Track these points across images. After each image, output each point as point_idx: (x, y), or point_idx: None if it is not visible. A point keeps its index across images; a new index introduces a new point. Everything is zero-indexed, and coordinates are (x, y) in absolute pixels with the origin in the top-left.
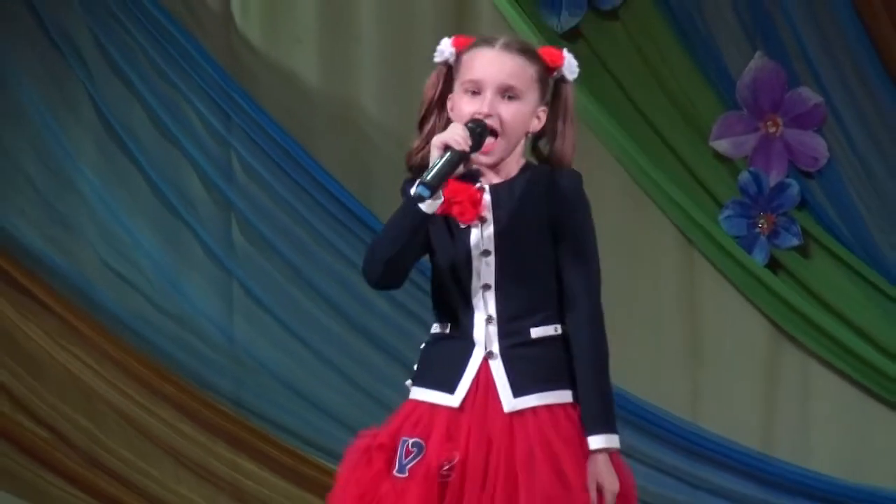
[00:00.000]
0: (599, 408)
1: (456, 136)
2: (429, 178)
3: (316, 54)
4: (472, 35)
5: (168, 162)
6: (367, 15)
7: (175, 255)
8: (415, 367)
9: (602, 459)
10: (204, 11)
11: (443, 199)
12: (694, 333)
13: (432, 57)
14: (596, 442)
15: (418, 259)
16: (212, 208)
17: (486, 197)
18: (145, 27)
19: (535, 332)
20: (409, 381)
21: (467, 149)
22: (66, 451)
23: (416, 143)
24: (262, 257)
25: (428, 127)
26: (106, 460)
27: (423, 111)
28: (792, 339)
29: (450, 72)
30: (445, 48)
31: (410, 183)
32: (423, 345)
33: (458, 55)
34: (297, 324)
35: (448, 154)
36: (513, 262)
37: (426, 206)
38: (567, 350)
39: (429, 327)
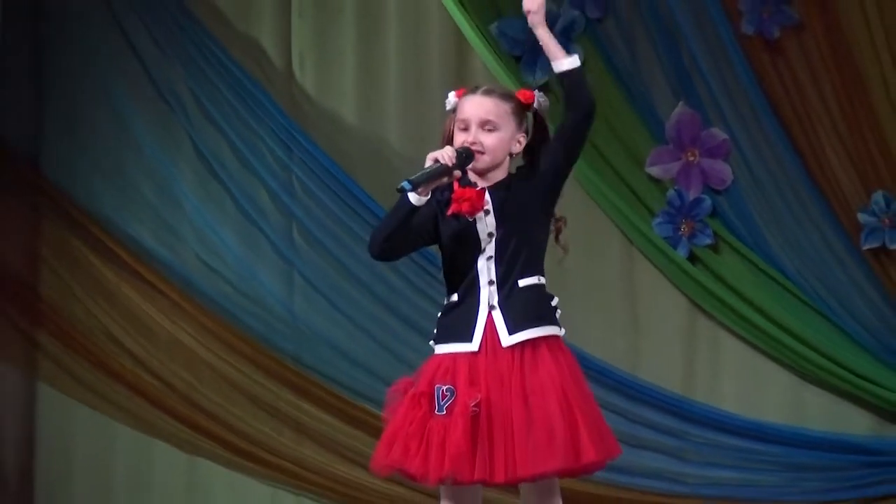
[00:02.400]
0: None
1: (444, 153)
2: (414, 177)
3: (354, 102)
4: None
5: (246, 183)
6: (393, 73)
7: (251, 252)
8: (434, 331)
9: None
10: (272, 69)
11: (429, 195)
12: (633, 308)
13: (441, 104)
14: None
15: (418, 246)
16: (278, 217)
17: (487, 196)
18: (229, 83)
19: (522, 283)
20: (431, 342)
21: (450, 164)
22: (173, 396)
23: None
24: (315, 253)
25: (430, 154)
26: (202, 402)
27: (442, 141)
28: (706, 313)
29: (454, 114)
30: (451, 99)
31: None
32: (439, 315)
33: (458, 102)
34: (341, 301)
35: (436, 165)
36: (508, 238)
37: (412, 198)
38: (548, 298)
39: (435, 301)
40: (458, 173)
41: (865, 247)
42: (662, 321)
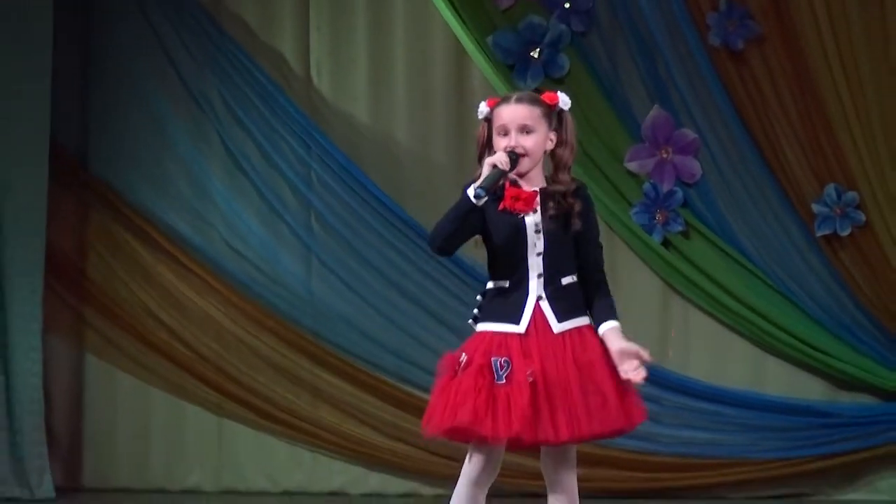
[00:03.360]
0: (613, 308)
1: (500, 159)
2: (482, 183)
3: (366, 104)
4: (496, 96)
5: (269, 177)
6: (401, 79)
7: (273, 238)
8: (475, 311)
9: (619, 330)
10: (292, 76)
11: (488, 197)
12: (613, 288)
13: (445, 105)
14: (614, 323)
15: (467, 239)
16: (297, 207)
17: (537, 197)
18: (254, 88)
19: (564, 281)
20: (471, 321)
21: (507, 168)
22: (204, 364)
23: (478, 170)
24: (331, 238)
25: (483, 159)
26: (229, 370)
27: (479, 150)
28: (677, 292)
29: (488, 122)
30: (483, 108)
31: (467, 187)
32: (479, 296)
33: (492, 111)
34: (354, 281)
35: (495, 169)
36: (553, 236)
37: (477, 201)
38: (580, 291)
39: (439, 282)
40: (512, 176)
41: (819, 234)
42: (639, 299)
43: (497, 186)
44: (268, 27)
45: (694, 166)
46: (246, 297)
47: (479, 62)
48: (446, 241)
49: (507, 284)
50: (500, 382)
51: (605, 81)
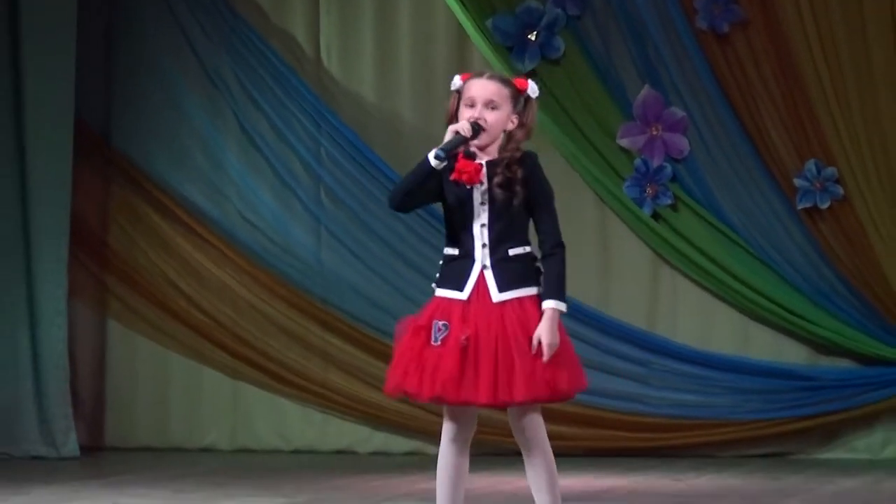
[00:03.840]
0: (552, 285)
1: (463, 127)
2: (443, 146)
3: (372, 84)
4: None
5: (281, 152)
6: (405, 60)
7: (285, 210)
8: (436, 275)
9: (546, 315)
10: (303, 57)
11: (447, 162)
12: (605, 257)
13: (445, 87)
14: (546, 304)
15: (427, 202)
16: (308, 181)
17: (484, 169)
18: (267, 68)
19: (512, 252)
20: (434, 285)
21: (468, 136)
22: (219, 329)
23: (446, 136)
24: (339, 211)
25: (450, 126)
26: (244, 335)
27: (447, 119)
28: (666, 261)
29: (459, 95)
30: (456, 81)
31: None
32: (440, 262)
33: (464, 84)
34: (361, 251)
35: (456, 136)
36: (498, 209)
37: (433, 163)
38: (533, 261)
39: (438, 250)
40: (471, 147)
41: (800, 206)
42: (630, 268)
43: (456, 151)
44: (280, 11)
45: (682, 143)
46: (259, 266)
47: (479, 44)
48: (404, 198)
49: (456, 252)
50: (435, 344)
51: (598, 62)
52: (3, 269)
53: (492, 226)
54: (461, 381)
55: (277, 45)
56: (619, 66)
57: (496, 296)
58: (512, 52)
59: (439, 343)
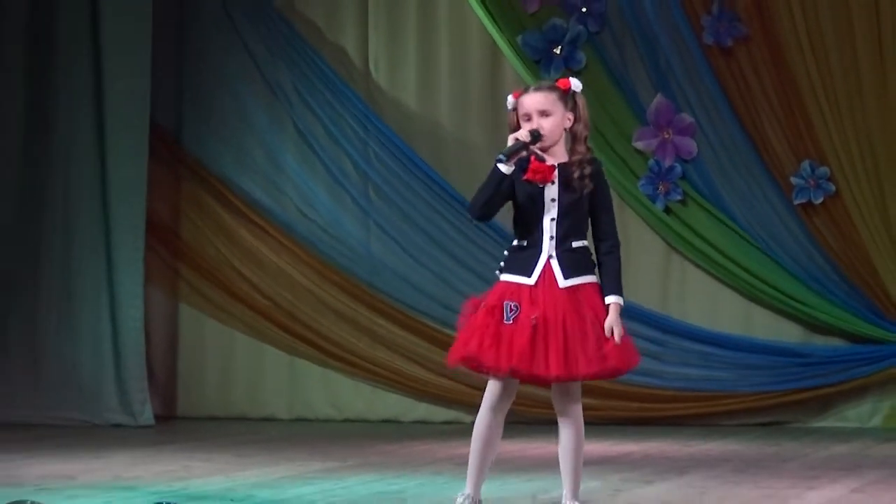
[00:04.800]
0: (615, 281)
1: (521, 134)
2: (504, 151)
3: (415, 93)
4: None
5: (334, 153)
6: (445, 72)
7: (338, 205)
8: (501, 263)
9: (613, 309)
10: (353, 69)
11: (514, 166)
12: (623, 247)
13: (481, 94)
14: (609, 299)
15: (503, 204)
16: (357, 179)
17: (556, 172)
18: (321, 78)
19: (575, 244)
20: (497, 271)
21: (526, 140)
22: (279, 311)
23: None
24: (386, 206)
25: (511, 135)
26: (300, 317)
27: (510, 132)
28: (677, 251)
29: (515, 112)
30: (510, 100)
31: (497, 161)
32: (506, 252)
33: (517, 101)
34: (406, 242)
35: (515, 142)
36: (566, 205)
37: (503, 168)
38: (589, 254)
39: (476, 242)
40: (536, 151)
41: (796, 202)
42: (645, 257)
43: (518, 156)
44: (333, 27)
45: (691, 145)
46: (314, 254)
47: (510, 58)
48: (483, 207)
49: (525, 243)
50: (507, 322)
51: (616, 73)
52: (87, 260)
53: (560, 220)
54: (533, 357)
55: (330, 58)
56: (634, 77)
57: (562, 282)
58: (539, 64)
59: (511, 322)
